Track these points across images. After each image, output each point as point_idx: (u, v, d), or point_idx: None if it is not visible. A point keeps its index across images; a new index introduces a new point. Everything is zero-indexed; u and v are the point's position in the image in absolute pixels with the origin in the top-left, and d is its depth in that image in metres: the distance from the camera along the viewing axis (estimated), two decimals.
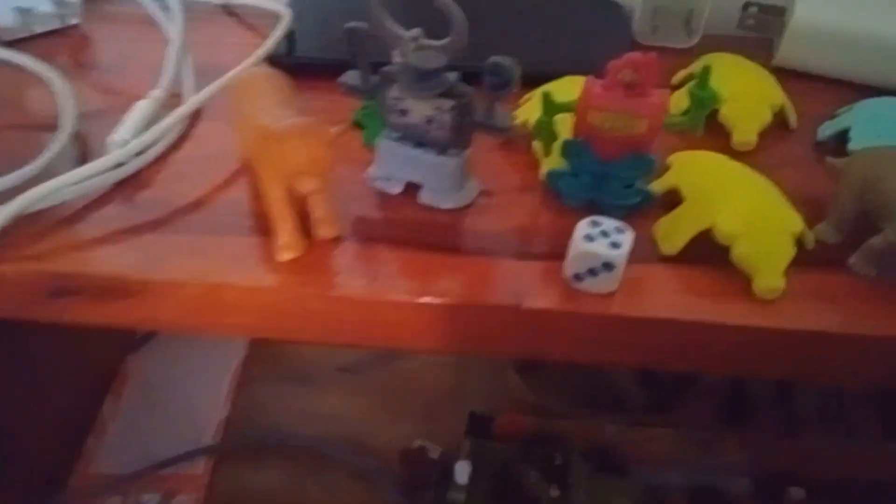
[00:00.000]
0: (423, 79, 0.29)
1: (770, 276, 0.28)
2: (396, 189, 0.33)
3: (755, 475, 0.55)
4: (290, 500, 0.56)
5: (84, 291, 0.30)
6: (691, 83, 0.29)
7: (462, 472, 0.53)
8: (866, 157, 0.30)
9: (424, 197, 0.32)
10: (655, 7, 0.42)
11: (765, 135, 0.36)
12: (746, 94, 0.36)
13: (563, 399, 0.59)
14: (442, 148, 0.31)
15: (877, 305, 0.29)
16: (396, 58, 0.30)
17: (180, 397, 0.62)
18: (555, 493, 0.53)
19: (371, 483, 0.57)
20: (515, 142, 0.36)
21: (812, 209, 0.32)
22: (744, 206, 0.29)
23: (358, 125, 0.36)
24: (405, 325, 0.29)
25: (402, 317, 0.29)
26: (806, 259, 0.30)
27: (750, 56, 0.40)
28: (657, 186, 0.32)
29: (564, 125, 0.31)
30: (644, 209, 0.32)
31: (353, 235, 0.31)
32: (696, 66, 0.38)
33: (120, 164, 0.32)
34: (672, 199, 0.32)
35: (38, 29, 0.43)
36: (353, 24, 0.29)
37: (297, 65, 0.39)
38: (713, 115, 0.36)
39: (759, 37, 0.43)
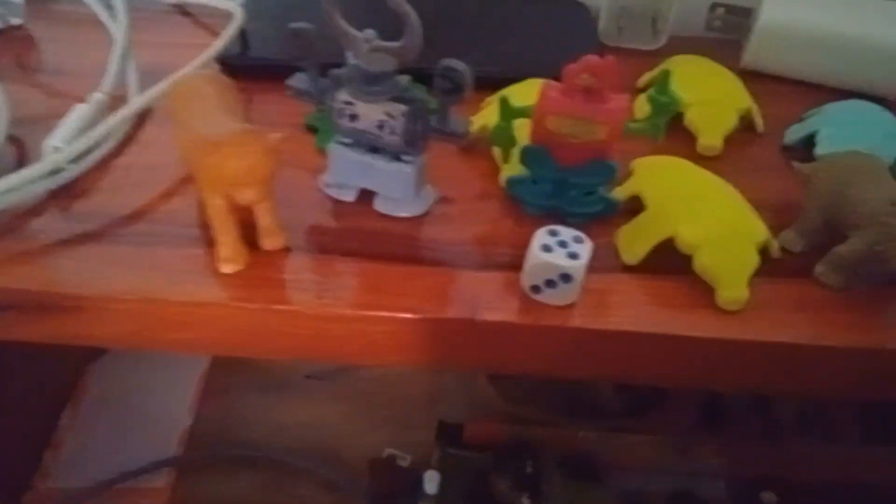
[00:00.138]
0: (372, 82, 0.28)
1: (733, 286, 0.27)
2: (350, 196, 0.32)
3: (733, 480, 0.54)
4: None
5: (16, 307, 0.28)
6: (651, 88, 0.28)
7: (431, 481, 0.52)
8: (833, 163, 0.29)
9: (379, 205, 0.31)
10: (621, 8, 0.41)
11: (731, 139, 0.36)
12: (712, 97, 0.36)
13: (537, 406, 0.58)
14: (396, 154, 0.30)
15: (844, 316, 0.28)
16: (351, 60, 0.28)
17: (142, 408, 0.60)
18: (526, 502, 0.52)
19: (340, 493, 0.55)
20: (476, 147, 0.35)
21: (779, 215, 0.31)
22: (706, 215, 0.28)
23: (311, 129, 0.35)
24: (354, 340, 0.28)
25: (351, 331, 0.28)
26: (772, 268, 0.29)
27: (718, 58, 0.39)
28: (620, 193, 0.31)
29: (523, 131, 0.30)
30: (608, 216, 0.31)
31: (302, 246, 0.30)
32: (661, 69, 0.37)
33: (57, 171, 0.31)
34: (636, 206, 0.31)
35: None
36: (298, 24, 0.27)
37: (251, 66, 0.38)
38: (679, 119, 0.36)
39: (726, 38, 0.42)
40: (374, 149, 0.30)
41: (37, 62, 0.40)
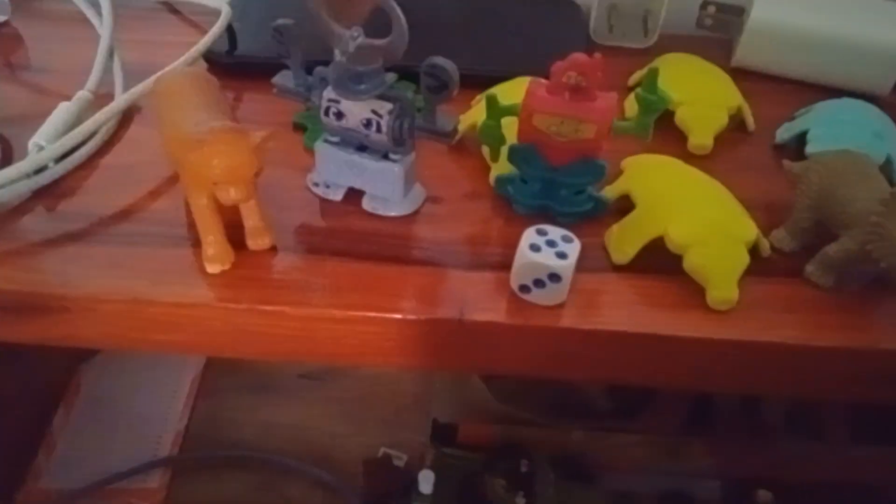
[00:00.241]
0: (358, 80, 0.27)
1: (723, 286, 0.27)
2: (337, 196, 0.31)
3: (724, 480, 0.54)
4: None
5: (1, 308, 0.28)
6: (639, 87, 0.28)
7: (425, 481, 0.52)
8: (823, 162, 0.29)
9: (367, 204, 0.31)
10: (612, 6, 0.41)
11: (722, 138, 0.36)
12: (703, 96, 0.36)
13: (530, 406, 0.57)
14: (383, 152, 0.30)
15: (835, 316, 0.28)
16: (337, 57, 0.28)
17: (135, 408, 0.60)
18: (521, 501, 0.52)
19: (334, 494, 0.55)
20: (466, 146, 0.35)
21: (770, 214, 0.31)
22: (696, 215, 0.28)
23: (299, 127, 0.35)
24: (342, 341, 0.28)
25: (339, 332, 0.28)
26: (763, 267, 0.29)
27: (709, 56, 0.39)
28: (609, 192, 0.31)
29: (512, 129, 0.30)
30: (598, 215, 0.31)
31: (289, 246, 0.29)
32: (649, 68, 0.37)
33: (41, 170, 0.30)
34: (626, 206, 0.31)
35: None
36: (281, 21, 0.27)
37: (238, 64, 0.38)
38: (669, 117, 0.35)
39: (717, 37, 0.42)
40: (362, 147, 0.30)
41: (23, 59, 0.40)
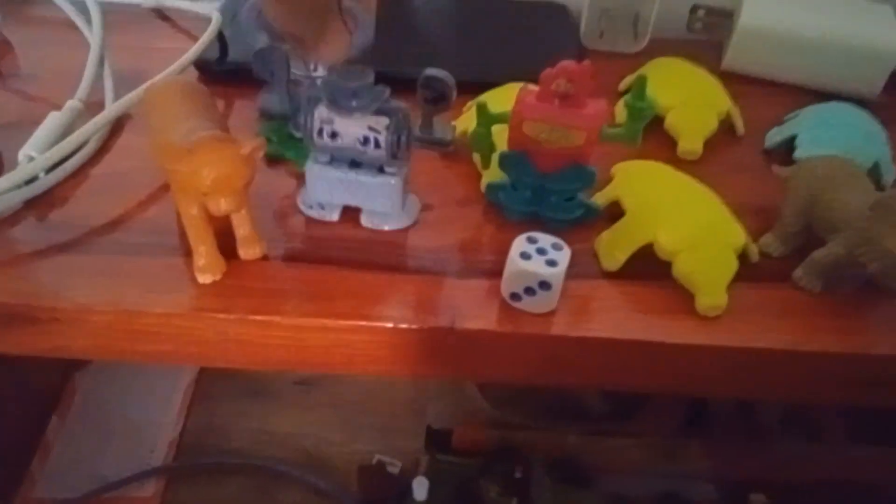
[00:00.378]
0: (351, 97, 0.27)
1: (712, 293, 0.27)
2: (333, 216, 0.31)
3: (719, 482, 0.54)
4: None
5: None
6: (627, 94, 0.28)
7: (420, 488, 0.52)
8: (812, 167, 0.29)
9: (366, 221, 0.31)
10: (602, 11, 0.41)
11: (713, 142, 0.36)
12: (692, 101, 0.36)
13: (525, 411, 0.57)
14: (380, 167, 0.29)
15: (824, 321, 0.28)
16: (326, 76, 0.28)
17: (129, 416, 0.60)
18: None
19: (329, 501, 0.55)
20: (458, 152, 0.35)
21: (760, 219, 0.31)
22: (685, 221, 0.28)
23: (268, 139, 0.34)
24: (334, 350, 0.28)
25: (330, 341, 0.28)
26: (753, 273, 0.29)
27: (699, 60, 0.39)
28: (600, 198, 0.31)
29: (503, 136, 0.30)
30: (588, 222, 0.31)
31: (280, 255, 0.29)
32: (641, 72, 0.37)
33: (32, 180, 0.30)
34: (617, 212, 0.31)
35: None
36: (261, 45, 0.27)
37: (230, 71, 0.38)
38: (659, 123, 0.36)
39: (708, 40, 0.42)
40: (355, 163, 0.30)
41: (12, 67, 0.40)
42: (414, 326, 0.27)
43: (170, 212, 0.31)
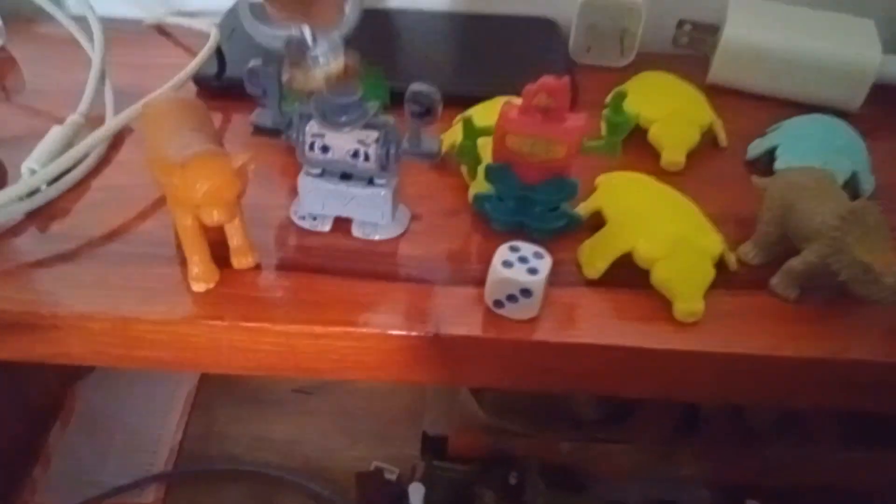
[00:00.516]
0: (341, 112, 0.28)
1: (689, 299, 0.28)
2: (325, 227, 0.32)
3: (713, 487, 0.54)
4: None
5: None
6: (606, 109, 0.29)
7: (416, 494, 0.53)
8: (785, 178, 0.30)
9: (357, 231, 0.32)
10: (589, 26, 0.42)
11: (696, 153, 0.36)
12: (675, 114, 0.36)
13: (519, 417, 0.58)
14: (370, 178, 0.30)
15: (799, 327, 0.29)
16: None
17: (130, 424, 0.60)
18: None
19: None
20: (446, 163, 0.36)
21: (741, 228, 0.32)
22: (663, 230, 0.29)
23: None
24: (323, 356, 0.29)
25: (319, 347, 0.28)
26: (730, 281, 0.30)
27: (685, 74, 0.40)
28: (583, 209, 0.32)
29: (488, 149, 0.31)
30: (572, 231, 0.32)
31: (272, 264, 0.30)
32: (619, 88, 0.38)
33: (34, 193, 0.31)
34: (600, 222, 0.31)
35: None
36: (253, 63, 0.28)
37: (227, 86, 0.39)
38: (643, 135, 0.36)
39: (694, 55, 0.43)
40: (345, 175, 0.31)
41: (17, 83, 0.41)
42: (401, 333, 0.28)
43: (166, 223, 0.32)
